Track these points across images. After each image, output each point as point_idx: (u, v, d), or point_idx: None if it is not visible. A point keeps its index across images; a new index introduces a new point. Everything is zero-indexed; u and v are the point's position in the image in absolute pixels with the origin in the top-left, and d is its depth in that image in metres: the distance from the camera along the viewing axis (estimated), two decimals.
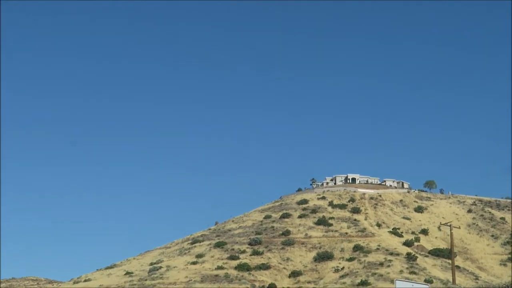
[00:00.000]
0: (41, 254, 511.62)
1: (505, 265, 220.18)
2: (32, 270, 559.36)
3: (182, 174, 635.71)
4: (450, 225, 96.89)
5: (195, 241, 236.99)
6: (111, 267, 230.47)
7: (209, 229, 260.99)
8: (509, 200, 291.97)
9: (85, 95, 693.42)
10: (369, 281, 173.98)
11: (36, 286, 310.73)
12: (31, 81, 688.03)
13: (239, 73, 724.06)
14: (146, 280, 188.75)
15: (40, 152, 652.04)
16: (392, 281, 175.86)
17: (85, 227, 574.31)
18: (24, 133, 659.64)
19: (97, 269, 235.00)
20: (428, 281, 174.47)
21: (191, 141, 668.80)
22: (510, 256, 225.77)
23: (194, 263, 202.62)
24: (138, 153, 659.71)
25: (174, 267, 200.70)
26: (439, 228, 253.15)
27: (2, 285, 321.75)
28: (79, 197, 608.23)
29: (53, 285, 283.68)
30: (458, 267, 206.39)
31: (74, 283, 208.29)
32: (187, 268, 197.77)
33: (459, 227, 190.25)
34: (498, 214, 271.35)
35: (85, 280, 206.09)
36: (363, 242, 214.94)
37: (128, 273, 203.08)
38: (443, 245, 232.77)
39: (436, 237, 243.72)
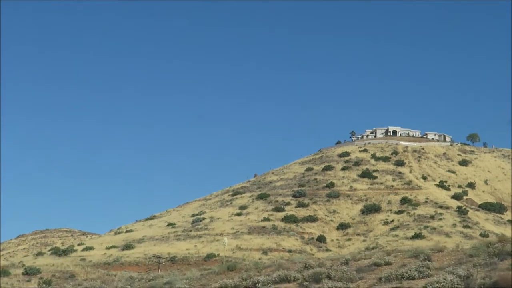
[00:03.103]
0: (75, 207, 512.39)
1: None
2: (67, 222, 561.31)
3: (218, 127, 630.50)
4: None
5: (236, 193, 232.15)
6: (151, 219, 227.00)
7: (249, 181, 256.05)
8: None
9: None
10: (423, 234, 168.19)
11: (70, 237, 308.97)
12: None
13: (278, 35, 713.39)
14: (190, 231, 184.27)
15: (80, 107, 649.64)
16: (447, 235, 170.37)
17: (118, 181, 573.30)
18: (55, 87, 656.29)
19: (136, 221, 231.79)
20: (484, 235, 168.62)
21: (229, 97, 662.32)
22: None
23: (238, 214, 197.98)
24: (174, 108, 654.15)
25: (218, 218, 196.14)
26: (485, 182, 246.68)
27: (36, 235, 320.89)
28: (113, 152, 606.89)
29: (87, 237, 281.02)
30: (510, 221, 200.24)
31: (115, 234, 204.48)
32: (232, 219, 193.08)
33: None
34: None
35: (127, 231, 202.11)
36: (410, 195, 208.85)
37: (170, 224, 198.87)
38: (491, 199, 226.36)
39: (483, 191, 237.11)
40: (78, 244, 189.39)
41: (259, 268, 46.97)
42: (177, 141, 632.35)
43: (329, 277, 37.72)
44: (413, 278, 35.08)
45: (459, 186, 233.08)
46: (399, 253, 45.30)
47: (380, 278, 36.44)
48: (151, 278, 52.21)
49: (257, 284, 39.68)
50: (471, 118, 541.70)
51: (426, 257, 39.68)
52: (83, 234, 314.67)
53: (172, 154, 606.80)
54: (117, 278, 63.33)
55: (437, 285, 31.15)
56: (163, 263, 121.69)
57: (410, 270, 35.87)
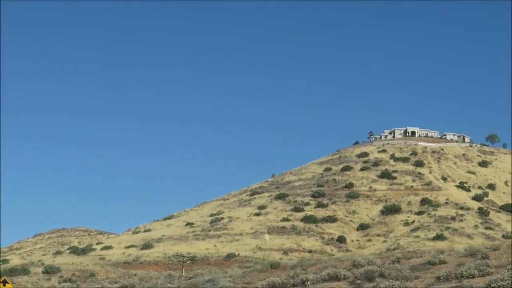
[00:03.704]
0: (92, 207, 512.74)
1: None
2: (83, 222, 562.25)
3: (235, 127, 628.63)
4: None
5: (254, 193, 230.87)
6: (169, 218, 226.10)
7: (267, 181, 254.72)
8: None
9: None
10: (444, 235, 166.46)
11: (87, 236, 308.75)
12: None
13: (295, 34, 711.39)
14: (209, 230, 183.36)
15: (94, 106, 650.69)
16: (469, 236, 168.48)
17: (134, 180, 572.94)
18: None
19: (154, 220, 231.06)
20: (506, 236, 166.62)
21: (247, 96, 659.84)
22: None
23: (257, 214, 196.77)
24: (193, 108, 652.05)
25: (237, 218, 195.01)
26: (505, 183, 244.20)
27: (53, 234, 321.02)
28: (129, 151, 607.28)
29: (103, 236, 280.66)
30: None
31: (134, 233, 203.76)
32: (251, 219, 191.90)
33: None
34: None
35: (145, 231, 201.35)
36: (431, 196, 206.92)
37: (189, 224, 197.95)
38: None
39: (504, 193, 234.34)
40: (97, 243, 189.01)
41: (304, 266, 45.60)
42: (193, 141, 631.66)
43: (382, 275, 36.33)
44: (473, 277, 33.67)
45: (479, 187, 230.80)
46: (452, 252, 43.86)
47: (438, 277, 34.99)
48: (191, 276, 50.96)
49: (306, 282, 38.30)
50: (490, 119, 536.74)
51: (483, 255, 38.25)
52: (100, 234, 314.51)
53: (188, 153, 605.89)
54: (154, 276, 62.04)
55: (502, 282, 29.80)
56: (187, 263, 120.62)
57: (469, 269, 34.39)
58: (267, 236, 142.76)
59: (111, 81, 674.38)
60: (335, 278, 38.54)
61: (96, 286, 62.41)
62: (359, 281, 36.87)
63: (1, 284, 43.05)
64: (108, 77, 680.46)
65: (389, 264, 39.85)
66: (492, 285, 30.07)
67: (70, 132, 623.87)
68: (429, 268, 38.44)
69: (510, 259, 35.34)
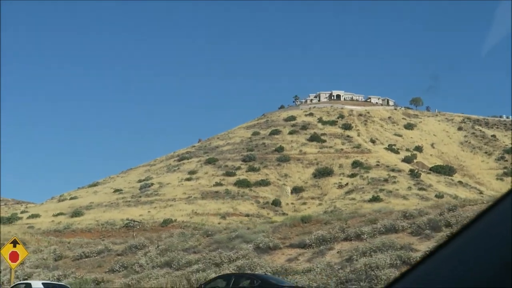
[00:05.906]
0: (8, 176, 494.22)
1: (501, 179, 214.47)
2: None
3: (159, 91, 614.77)
4: None
5: (182, 158, 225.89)
6: (94, 185, 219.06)
7: (194, 146, 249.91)
8: (497, 118, 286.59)
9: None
10: (380, 197, 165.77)
11: (3, 206, 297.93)
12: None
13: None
14: (140, 196, 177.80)
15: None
16: (404, 197, 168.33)
17: (54, 148, 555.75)
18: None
19: (78, 188, 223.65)
20: (439, 196, 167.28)
21: (172, 60, 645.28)
22: (506, 170, 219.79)
23: (188, 179, 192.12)
24: (117, 73, 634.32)
25: (168, 184, 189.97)
26: (432, 145, 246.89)
27: None
28: (44, 116, 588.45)
29: (21, 205, 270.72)
30: (460, 182, 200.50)
31: (59, 201, 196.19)
32: (182, 184, 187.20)
33: None
34: (488, 132, 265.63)
35: (71, 198, 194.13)
36: (361, 158, 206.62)
37: (117, 190, 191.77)
38: (438, 162, 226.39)
39: (431, 155, 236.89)
40: (21, 212, 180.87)
41: (343, 219, 41.68)
42: (114, 107, 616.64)
43: (448, 225, 32.70)
44: None
45: (407, 150, 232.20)
46: None
47: None
48: (209, 233, 46.40)
49: (362, 235, 34.44)
50: (413, 82, 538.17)
51: None
52: (17, 203, 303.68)
53: (110, 119, 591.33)
54: (163, 235, 57.02)
55: None
56: (138, 227, 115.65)
57: None
58: (288, 188, 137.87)
59: None
60: (392, 229, 34.78)
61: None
62: (428, 231, 33.13)
63: (12, 245, 38.44)
64: None
65: (448, 212, 36.21)
66: None
67: None
68: None
69: None
